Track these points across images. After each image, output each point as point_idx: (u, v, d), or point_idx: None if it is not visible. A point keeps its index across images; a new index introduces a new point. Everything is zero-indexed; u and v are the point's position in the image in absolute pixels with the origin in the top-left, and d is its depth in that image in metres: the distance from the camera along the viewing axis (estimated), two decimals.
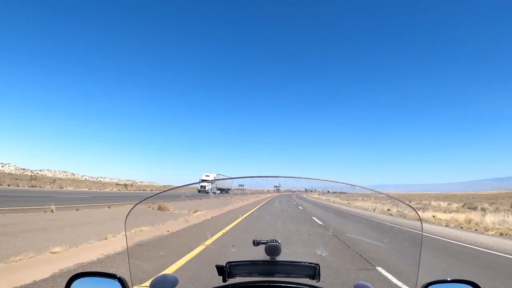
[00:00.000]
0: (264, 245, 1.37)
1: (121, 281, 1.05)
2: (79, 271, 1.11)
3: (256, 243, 1.40)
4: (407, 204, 1.19)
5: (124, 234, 1.36)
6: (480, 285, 0.98)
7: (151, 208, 12.23)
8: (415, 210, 1.23)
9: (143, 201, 1.39)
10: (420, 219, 1.21)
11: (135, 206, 1.29)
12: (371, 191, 1.27)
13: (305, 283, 1.19)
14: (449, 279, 0.99)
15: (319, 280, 1.26)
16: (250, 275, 1.29)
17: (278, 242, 1.37)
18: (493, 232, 12.54)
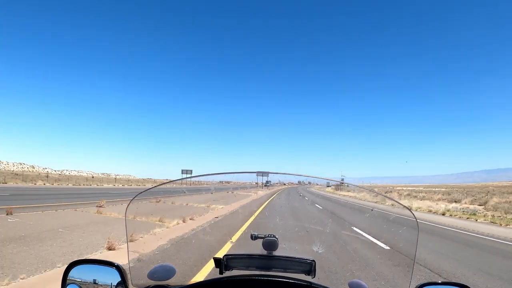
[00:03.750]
0: (262, 240, 1.38)
1: (119, 269, 1.06)
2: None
3: (254, 237, 1.41)
4: (394, 200, 1.26)
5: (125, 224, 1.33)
6: None
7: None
8: (404, 206, 1.31)
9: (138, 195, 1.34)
10: (415, 217, 1.29)
11: (133, 198, 1.27)
12: (360, 188, 1.31)
13: (301, 278, 1.22)
14: (440, 282, 1.03)
15: (314, 276, 1.28)
16: (247, 268, 1.30)
17: (275, 237, 1.38)
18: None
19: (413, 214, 1.29)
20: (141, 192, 1.39)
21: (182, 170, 64.07)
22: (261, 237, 1.39)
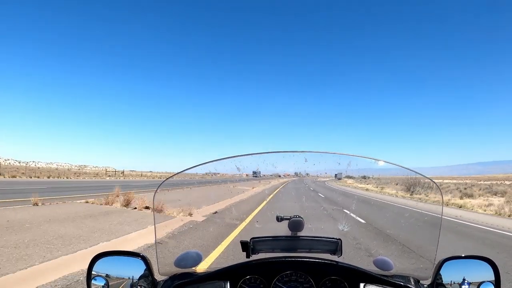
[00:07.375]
0: (288, 221, 1.40)
1: (144, 259, 1.07)
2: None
3: (279, 219, 1.43)
4: (430, 179, 1.21)
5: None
6: (495, 262, 1.02)
7: None
8: (438, 187, 1.26)
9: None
10: (442, 196, 1.25)
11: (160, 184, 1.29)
12: (396, 167, 1.28)
13: (327, 258, 1.21)
14: (464, 255, 1.03)
15: (340, 255, 1.29)
16: (273, 250, 1.32)
17: (301, 218, 1.39)
18: None
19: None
20: (162, 183, 1.41)
21: None
22: (287, 219, 1.41)
